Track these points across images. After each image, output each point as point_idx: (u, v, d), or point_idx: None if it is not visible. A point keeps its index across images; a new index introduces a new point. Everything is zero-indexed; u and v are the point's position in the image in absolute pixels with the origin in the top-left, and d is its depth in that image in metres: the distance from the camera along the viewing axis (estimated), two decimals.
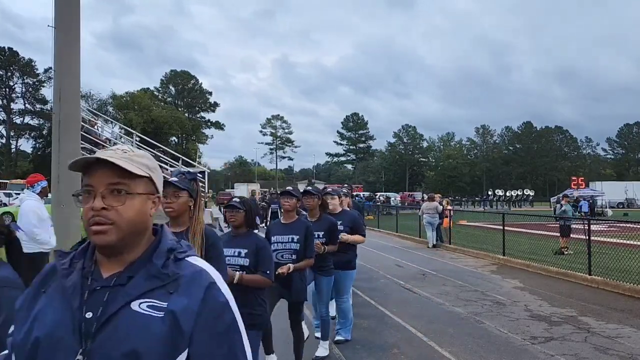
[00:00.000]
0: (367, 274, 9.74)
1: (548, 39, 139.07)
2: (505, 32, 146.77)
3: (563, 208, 13.51)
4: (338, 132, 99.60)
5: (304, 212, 5.02)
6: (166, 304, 1.04)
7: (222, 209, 16.90)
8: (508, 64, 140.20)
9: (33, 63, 63.02)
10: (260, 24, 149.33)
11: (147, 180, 1.12)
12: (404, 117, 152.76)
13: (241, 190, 42.47)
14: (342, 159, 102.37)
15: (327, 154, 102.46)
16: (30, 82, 63.47)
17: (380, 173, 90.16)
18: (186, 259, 1.13)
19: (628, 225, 11.97)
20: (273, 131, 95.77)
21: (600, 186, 50.59)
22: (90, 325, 1.01)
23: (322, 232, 4.59)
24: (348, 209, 6.21)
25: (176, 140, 70.02)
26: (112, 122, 26.47)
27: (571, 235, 12.23)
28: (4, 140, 63.20)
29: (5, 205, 26.51)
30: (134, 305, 1.03)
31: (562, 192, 33.56)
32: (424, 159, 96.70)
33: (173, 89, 79.80)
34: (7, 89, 62.56)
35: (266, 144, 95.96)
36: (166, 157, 16.45)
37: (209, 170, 21.74)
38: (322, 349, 4.89)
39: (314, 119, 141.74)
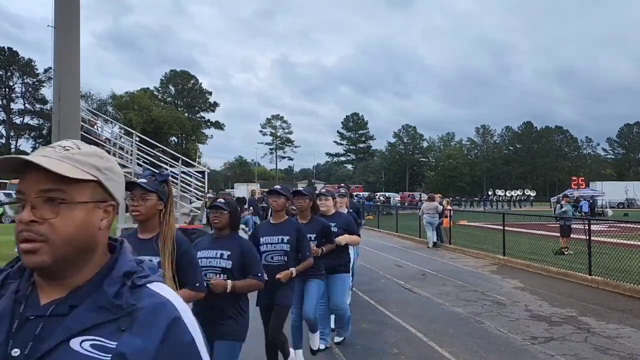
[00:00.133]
0: (367, 274, 9.74)
1: (548, 38, 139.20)
2: (505, 32, 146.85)
3: (563, 208, 13.50)
4: (338, 132, 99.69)
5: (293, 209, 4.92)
6: (115, 344, 0.83)
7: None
8: (508, 63, 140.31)
9: (33, 63, 63.15)
10: (260, 23, 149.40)
11: (95, 185, 0.90)
12: (404, 117, 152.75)
13: (241, 190, 42.47)
14: (342, 159, 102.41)
15: (327, 154, 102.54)
16: (30, 82, 63.53)
17: (380, 173, 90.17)
18: (147, 285, 0.90)
19: (628, 225, 11.96)
20: (273, 131, 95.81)
21: (600, 186, 50.51)
22: None
23: (314, 235, 4.39)
24: (346, 209, 6.21)
25: (176, 140, 70.06)
26: (112, 122, 26.45)
27: (571, 235, 12.23)
28: (3, 140, 63.22)
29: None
30: (74, 344, 0.82)
31: (562, 192, 33.55)
32: (424, 159, 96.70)
33: (173, 89, 79.82)
34: (7, 89, 62.60)
35: (266, 144, 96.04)
36: (166, 157, 16.43)
37: (209, 170, 21.73)
38: (315, 340, 4.60)
39: (313, 119, 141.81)
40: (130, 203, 2.47)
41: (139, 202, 2.44)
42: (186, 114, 75.60)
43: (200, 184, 16.84)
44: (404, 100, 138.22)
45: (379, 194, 53.54)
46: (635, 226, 10.15)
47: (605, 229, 13.76)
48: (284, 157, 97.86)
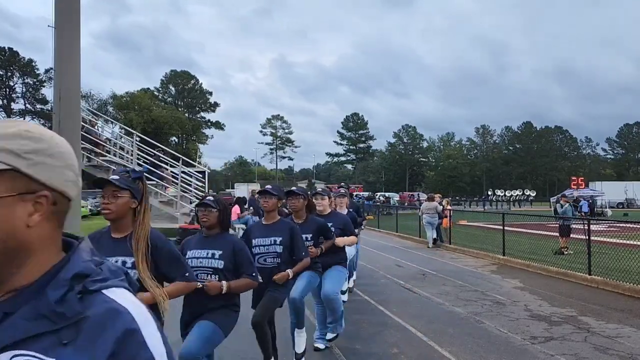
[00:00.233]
0: (367, 274, 9.75)
1: (547, 38, 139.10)
2: (504, 32, 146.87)
3: (564, 208, 13.49)
4: (338, 132, 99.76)
5: (286, 210, 4.88)
6: None
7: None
8: (508, 63, 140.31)
9: (33, 63, 63.30)
10: (257, 23, 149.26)
11: (13, 174, 0.74)
12: (404, 117, 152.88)
13: (241, 190, 42.45)
14: (342, 159, 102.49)
15: (327, 154, 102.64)
16: (31, 82, 63.64)
17: (380, 173, 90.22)
18: (102, 291, 0.75)
19: (628, 225, 11.99)
20: (273, 131, 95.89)
21: (600, 186, 50.56)
22: None
23: (310, 235, 4.30)
24: (347, 209, 6.23)
25: (176, 140, 70.14)
26: (112, 122, 26.46)
27: (571, 235, 12.24)
28: None
29: None
30: (3, 358, 0.70)
31: (562, 192, 33.59)
32: (424, 159, 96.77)
33: (173, 89, 79.91)
34: (7, 89, 62.67)
35: (266, 144, 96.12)
36: (166, 157, 16.45)
37: (209, 170, 21.74)
38: (299, 340, 4.40)
39: (313, 119, 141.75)
40: (101, 201, 2.40)
41: (110, 199, 2.34)
42: (186, 114, 75.65)
43: (200, 183, 16.87)
44: (404, 100, 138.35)
45: (378, 194, 53.60)
46: (634, 226, 10.16)
47: (605, 229, 13.77)
48: (284, 157, 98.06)
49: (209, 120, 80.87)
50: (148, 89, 73.65)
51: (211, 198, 3.22)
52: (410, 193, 60.03)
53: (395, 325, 6.13)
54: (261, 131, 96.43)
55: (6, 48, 61.83)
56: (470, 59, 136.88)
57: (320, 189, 5.13)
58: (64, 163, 0.80)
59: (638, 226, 9.73)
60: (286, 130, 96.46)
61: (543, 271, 10.12)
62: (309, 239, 4.27)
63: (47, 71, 60.58)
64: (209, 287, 2.91)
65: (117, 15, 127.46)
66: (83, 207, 18.59)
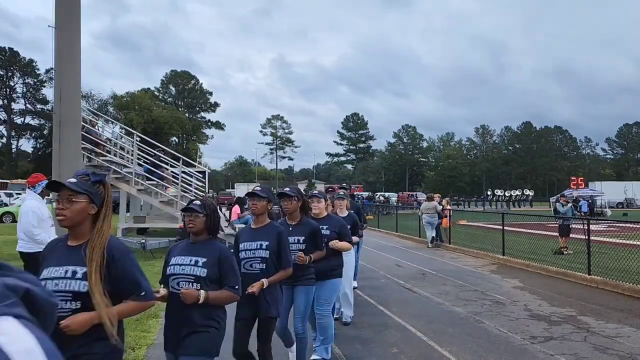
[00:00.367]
0: (367, 274, 9.77)
1: (548, 38, 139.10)
2: (504, 32, 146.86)
3: (566, 207, 13.50)
4: (338, 132, 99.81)
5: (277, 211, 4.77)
6: None
7: (221, 209, 16.96)
8: (507, 63, 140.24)
9: (34, 63, 63.27)
10: (257, 23, 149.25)
11: None
12: (404, 117, 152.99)
13: (242, 190, 42.53)
14: (342, 159, 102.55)
15: (327, 154, 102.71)
16: (31, 83, 63.63)
17: (380, 173, 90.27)
18: None
19: (627, 225, 12.00)
20: (273, 131, 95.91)
21: (599, 186, 50.60)
22: None
23: (303, 238, 4.09)
24: (346, 212, 6.07)
25: (177, 140, 70.15)
26: (112, 122, 26.47)
27: (571, 235, 12.26)
28: (4, 140, 63.32)
29: (6, 205, 26.58)
30: None
31: (561, 192, 33.59)
32: (423, 159, 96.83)
33: (173, 89, 79.94)
34: (8, 89, 62.67)
35: (266, 144, 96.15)
36: (167, 157, 16.47)
37: (209, 170, 21.76)
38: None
39: (313, 119, 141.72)
40: (56, 207, 2.19)
41: (65, 204, 2.13)
42: (187, 114, 75.67)
43: (200, 183, 16.89)
44: (404, 100, 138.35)
45: (378, 194, 53.71)
46: (634, 226, 10.17)
47: (604, 228, 13.80)
48: (284, 157, 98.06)
49: (209, 120, 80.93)
50: (148, 89, 73.70)
51: (198, 202, 3.01)
52: (410, 193, 60.12)
53: (395, 325, 6.15)
54: (261, 131, 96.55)
55: (7, 48, 61.83)
56: (470, 59, 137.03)
57: (316, 191, 4.95)
58: None
59: (637, 226, 9.74)
60: (286, 130, 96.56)
61: (543, 271, 10.14)
62: (301, 241, 4.08)
63: (47, 71, 60.58)
64: (184, 294, 2.71)
65: (117, 15, 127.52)
66: None
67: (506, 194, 56.60)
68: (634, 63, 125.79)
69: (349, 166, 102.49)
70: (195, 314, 2.79)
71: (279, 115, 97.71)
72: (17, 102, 63.63)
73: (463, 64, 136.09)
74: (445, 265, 11.35)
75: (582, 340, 5.44)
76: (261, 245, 3.57)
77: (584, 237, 9.80)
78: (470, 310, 6.83)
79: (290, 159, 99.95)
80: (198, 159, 27.29)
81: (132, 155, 14.66)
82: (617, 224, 12.77)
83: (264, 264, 3.55)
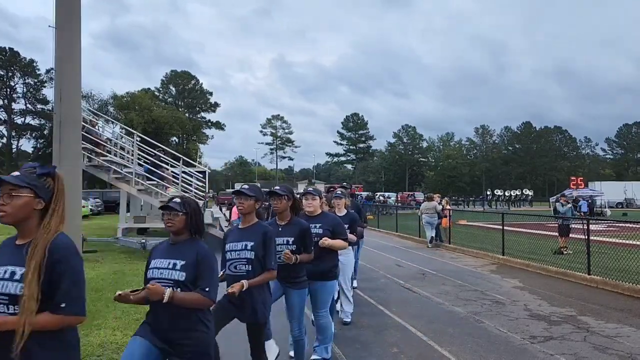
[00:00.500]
0: (367, 274, 9.77)
1: (548, 38, 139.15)
2: (504, 32, 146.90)
3: (566, 208, 13.51)
4: (338, 132, 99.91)
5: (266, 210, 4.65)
6: None
7: (222, 209, 16.95)
8: (507, 63, 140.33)
9: (34, 64, 63.28)
10: (257, 23, 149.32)
11: None
12: (404, 117, 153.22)
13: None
14: (342, 159, 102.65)
15: (327, 154, 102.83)
16: (32, 83, 63.65)
17: (380, 173, 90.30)
18: None
19: (627, 225, 12.02)
20: (273, 131, 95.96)
21: (599, 186, 50.66)
22: None
23: (292, 238, 3.93)
24: (345, 211, 5.96)
25: (177, 140, 70.16)
26: (113, 122, 26.47)
27: (570, 235, 12.27)
28: (5, 141, 63.35)
29: None
30: None
31: (561, 192, 33.59)
32: (423, 159, 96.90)
33: (174, 89, 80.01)
34: (8, 89, 62.68)
35: (266, 144, 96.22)
36: (167, 157, 16.48)
37: (209, 170, 21.77)
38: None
39: (313, 119, 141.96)
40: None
41: (5, 200, 1.95)
42: (187, 114, 75.70)
43: (201, 183, 16.90)
44: (404, 100, 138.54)
45: (378, 194, 53.77)
46: (633, 226, 10.18)
47: (604, 228, 13.82)
48: (284, 157, 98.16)
49: (209, 120, 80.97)
50: (148, 89, 73.72)
51: (177, 200, 2.81)
52: (409, 193, 60.20)
53: (395, 325, 6.15)
54: (261, 131, 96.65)
55: (7, 48, 61.85)
56: (470, 59, 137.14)
57: (311, 189, 4.77)
58: None
59: (637, 226, 9.75)
60: (286, 130, 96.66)
61: (542, 271, 10.14)
62: (291, 242, 3.92)
63: (47, 71, 60.61)
64: (149, 290, 2.55)
65: (116, 15, 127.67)
66: (83, 207, 18.62)
67: (506, 194, 56.62)
68: (634, 63, 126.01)
69: (349, 166, 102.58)
70: (178, 315, 2.63)
71: (279, 115, 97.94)
72: (18, 102, 63.73)
73: (463, 64, 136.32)
74: (445, 265, 11.36)
75: (582, 340, 5.44)
76: (246, 245, 3.43)
77: (583, 237, 9.81)
78: (470, 310, 6.84)
79: (291, 159, 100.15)
80: (198, 159, 27.30)
81: (132, 155, 14.67)
82: (617, 224, 12.79)
83: (250, 266, 3.39)
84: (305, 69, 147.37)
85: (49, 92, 60.67)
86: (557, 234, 12.80)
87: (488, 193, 60.03)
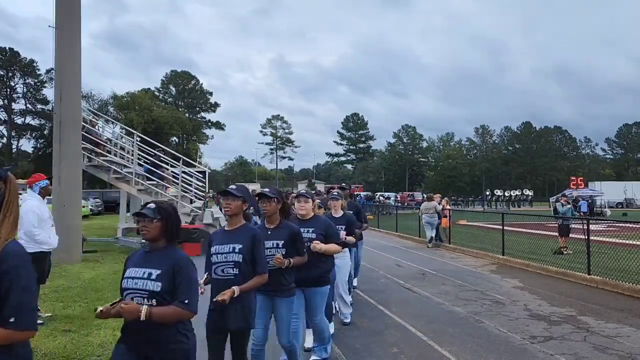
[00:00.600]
0: (367, 274, 9.77)
1: (547, 38, 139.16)
2: (504, 32, 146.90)
3: (566, 208, 13.52)
4: (338, 132, 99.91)
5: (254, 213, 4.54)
6: None
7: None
8: (507, 63, 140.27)
9: (34, 64, 63.31)
10: (256, 23, 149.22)
11: None
12: (404, 117, 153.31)
13: None
14: (342, 159, 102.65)
15: (327, 154, 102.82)
16: (32, 83, 63.69)
17: (380, 173, 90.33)
18: None
19: (627, 225, 12.02)
20: (273, 131, 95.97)
21: (599, 186, 50.68)
22: None
23: (282, 242, 3.78)
24: (341, 212, 5.84)
25: (177, 140, 70.19)
26: (113, 123, 26.49)
27: (570, 235, 12.28)
28: (5, 141, 63.37)
29: None
30: None
31: (561, 192, 33.62)
32: (423, 159, 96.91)
33: (174, 89, 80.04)
34: (8, 89, 62.71)
35: (266, 144, 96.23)
36: (167, 157, 16.48)
37: (209, 170, 21.77)
38: None
39: (312, 118, 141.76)
40: None
41: None
42: (187, 114, 75.74)
43: (201, 183, 16.90)
44: (403, 100, 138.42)
45: (378, 194, 53.83)
46: (633, 226, 10.19)
47: (604, 228, 13.83)
48: (284, 157, 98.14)
49: (209, 120, 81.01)
50: (149, 89, 73.76)
51: (152, 206, 2.64)
52: (409, 193, 60.29)
53: (395, 325, 6.16)
54: (261, 131, 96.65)
55: (7, 48, 61.89)
56: (470, 58, 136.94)
57: (303, 191, 4.62)
58: None
59: (637, 226, 9.76)
60: (286, 131, 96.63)
61: (542, 271, 10.15)
62: (281, 246, 3.77)
63: (48, 71, 60.61)
64: (124, 309, 2.39)
65: (115, 14, 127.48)
66: (84, 207, 18.60)
67: (506, 194, 56.63)
68: (634, 63, 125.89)
69: (349, 166, 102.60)
70: (153, 329, 2.46)
71: (279, 115, 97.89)
72: (18, 102, 63.75)
73: (463, 64, 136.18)
74: (445, 265, 11.36)
75: (582, 340, 5.45)
76: (234, 248, 3.29)
77: (583, 237, 9.81)
78: (470, 310, 6.84)
79: (291, 159, 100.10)
80: (198, 159, 27.32)
81: (132, 155, 14.68)
82: (617, 224, 12.79)
83: (237, 269, 3.26)
84: (305, 69, 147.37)
85: (49, 92, 60.72)
86: (557, 234, 12.81)
87: (487, 193, 60.05)
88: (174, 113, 66.88)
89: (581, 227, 10.70)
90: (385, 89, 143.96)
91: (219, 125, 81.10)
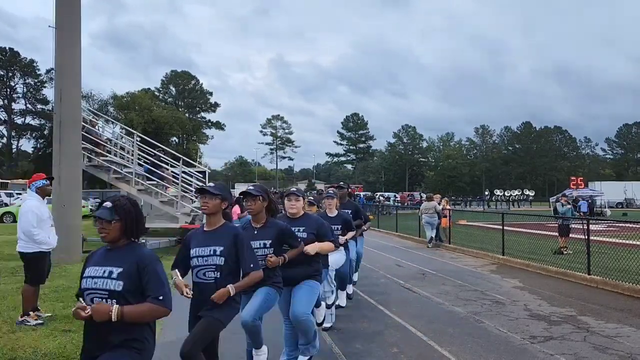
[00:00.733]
0: (367, 274, 9.77)
1: (547, 38, 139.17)
2: (504, 32, 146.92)
3: (566, 208, 13.51)
4: (338, 132, 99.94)
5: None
6: None
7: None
8: (507, 63, 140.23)
9: (34, 64, 63.34)
10: (255, 23, 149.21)
11: None
12: (404, 117, 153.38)
13: (242, 190, 42.51)
14: (342, 159, 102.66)
15: (327, 154, 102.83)
16: (32, 83, 63.71)
17: (380, 173, 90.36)
18: None
19: (627, 225, 12.02)
20: (273, 131, 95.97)
21: (599, 186, 50.68)
22: None
23: (270, 241, 3.67)
24: (335, 212, 5.75)
25: (177, 140, 70.20)
26: (113, 123, 26.49)
27: (570, 235, 12.27)
28: (5, 141, 63.37)
29: (6, 205, 26.61)
30: None
31: (561, 192, 33.62)
32: (423, 159, 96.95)
33: (174, 89, 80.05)
34: (8, 89, 62.72)
35: (266, 144, 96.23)
36: (167, 157, 16.48)
37: (209, 170, 21.78)
38: None
39: (312, 118, 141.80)
40: None
41: None
42: (187, 114, 75.74)
43: (201, 183, 16.89)
44: (403, 100, 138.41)
45: (378, 194, 53.88)
46: (633, 226, 10.18)
47: (604, 228, 13.82)
48: (284, 157, 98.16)
49: (209, 120, 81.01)
50: (149, 89, 73.79)
51: (108, 205, 2.46)
52: (409, 193, 60.37)
53: (395, 325, 6.15)
54: (261, 131, 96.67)
55: (7, 48, 61.92)
56: (470, 58, 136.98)
57: (294, 189, 4.46)
58: None
59: (637, 226, 9.75)
60: (286, 131, 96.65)
61: (542, 271, 10.14)
62: (268, 245, 3.66)
63: (48, 71, 60.64)
64: (94, 311, 2.26)
65: (115, 15, 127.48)
66: (83, 207, 18.60)
67: (505, 194, 56.64)
68: (634, 63, 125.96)
69: (349, 166, 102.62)
70: (114, 337, 2.33)
71: (279, 115, 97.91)
72: (18, 102, 63.81)
73: (463, 64, 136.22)
74: (445, 265, 11.36)
75: (582, 340, 5.44)
76: (214, 251, 3.14)
77: (583, 237, 9.81)
78: (470, 310, 6.84)
79: (291, 159, 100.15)
80: (198, 159, 27.33)
81: (132, 155, 14.67)
82: (617, 224, 12.79)
83: (219, 272, 3.12)
84: (304, 69, 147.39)
85: (49, 92, 60.74)
86: (557, 234, 12.80)
87: (486, 193, 60.05)
88: (174, 113, 66.90)
89: (581, 227, 10.70)
90: (385, 89, 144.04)
91: (219, 125, 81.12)
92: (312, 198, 5.26)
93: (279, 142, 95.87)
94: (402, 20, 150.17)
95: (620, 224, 12.82)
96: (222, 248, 3.14)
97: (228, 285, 3.06)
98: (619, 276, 8.38)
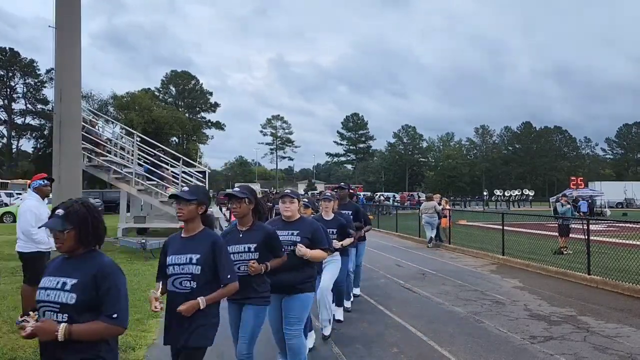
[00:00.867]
0: (367, 274, 9.77)
1: (547, 38, 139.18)
2: (504, 32, 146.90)
3: (565, 208, 13.52)
4: (338, 132, 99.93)
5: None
6: None
7: (222, 209, 16.97)
8: (507, 63, 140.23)
9: (34, 64, 63.35)
10: (255, 23, 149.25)
11: None
12: (403, 117, 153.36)
13: None
14: (342, 159, 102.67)
15: (327, 154, 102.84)
16: (32, 83, 63.73)
17: (380, 173, 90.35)
18: None
19: (627, 225, 12.02)
20: (273, 131, 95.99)
21: (599, 186, 50.68)
22: None
23: (255, 245, 3.47)
24: (332, 215, 5.61)
25: (177, 140, 70.19)
26: (113, 123, 26.50)
27: (570, 235, 12.27)
28: (5, 141, 63.37)
29: (6, 205, 26.62)
30: None
31: (561, 192, 33.63)
32: (423, 159, 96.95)
33: (174, 89, 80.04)
34: (9, 89, 62.73)
35: (266, 144, 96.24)
36: (167, 157, 16.48)
37: (209, 170, 21.78)
38: None
39: (312, 118, 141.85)
40: None
41: None
42: (187, 115, 75.75)
43: (201, 184, 16.90)
44: (403, 100, 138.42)
45: (378, 194, 53.91)
46: (633, 226, 10.18)
47: (604, 228, 13.83)
48: (284, 157, 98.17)
49: (209, 120, 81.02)
50: (149, 89, 73.78)
51: (60, 212, 2.23)
52: (409, 193, 60.40)
53: (395, 325, 6.15)
54: (261, 131, 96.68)
55: (7, 48, 61.94)
56: (470, 58, 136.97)
57: (289, 190, 4.26)
58: None
59: (637, 226, 9.75)
60: (286, 131, 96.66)
61: (542, 271, 10.14)
62: (253, 249, 3.46)
63: (48, 71, 60.66)
64: (38, 329, 2.06)
65: (115, 15, 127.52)
66: None
67: (505, 194, 56.63)
68: (634, 63, 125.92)
69: (349, 166, 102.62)
70: (66, 353, 2.12)
71: (279, 115, 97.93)
72: (18, 102, 63.80)
73: (462, 64, 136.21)
74: (445, 265, 11.36)
75: (582, 340, 5.44)
76: (191, 259, 2.94)
77: (583, 237, 9.81)
78: (470, 310, 6.84)
79: (291, 159, 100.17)
80: (198, 159, 27.33)
81: (132, 155, 14.67)
82: (617, 224, 12.79)
83: (195, 282, 2.91)
84: (304, 69, 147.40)
85: (49, 92, 60.74)
86: (557, 234, 12.80)
87: (485, 193, 60.06)
88: (174, 113, 66.89)
89: (581, 227, 10.70)
90: (385, 89, 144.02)
91: (218, 125, 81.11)
92: (306, 200, 5.07)
93: (279, 142, 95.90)
94: (402, 20, 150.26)
95: (620, 224, 12.82)
96: (198, 256, 2.94)
97: (198, 298, 2.85)
98: (619, 276, 8.38)
